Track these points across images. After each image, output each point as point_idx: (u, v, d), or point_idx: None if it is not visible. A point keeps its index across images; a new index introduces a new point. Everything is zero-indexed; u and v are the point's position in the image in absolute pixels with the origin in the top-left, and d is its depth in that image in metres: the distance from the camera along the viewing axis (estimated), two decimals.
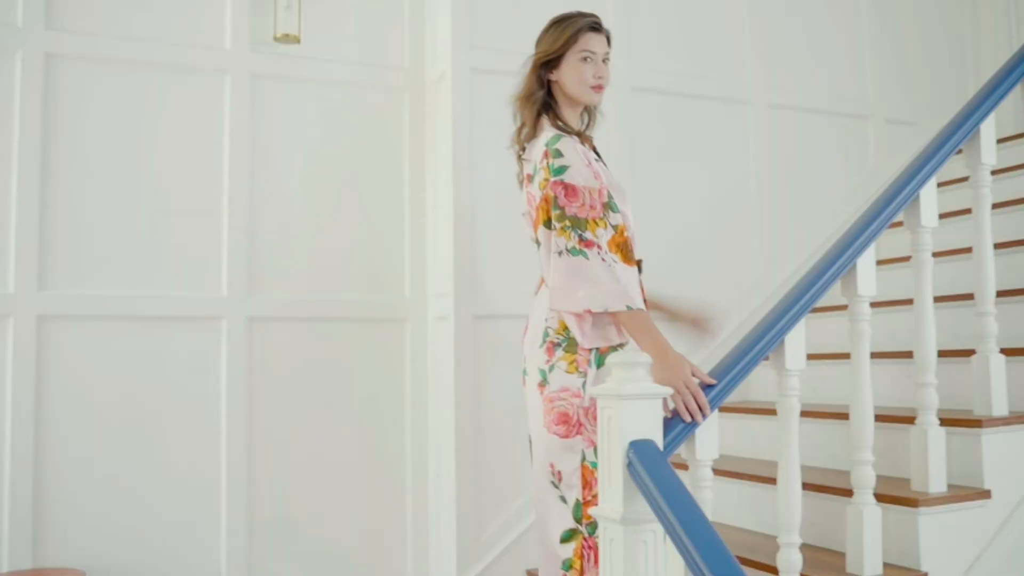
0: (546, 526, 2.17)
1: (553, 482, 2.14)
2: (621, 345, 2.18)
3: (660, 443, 1.85)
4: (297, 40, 3.16)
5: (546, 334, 2.19)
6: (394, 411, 3.31)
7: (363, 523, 3.25)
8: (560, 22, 2.29)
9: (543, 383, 2.15)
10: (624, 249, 2.13)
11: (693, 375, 1.97)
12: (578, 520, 2.11)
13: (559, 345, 2.16)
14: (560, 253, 2.11)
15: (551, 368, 2.15)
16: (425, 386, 3.34)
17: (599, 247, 2.10)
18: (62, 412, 2.91)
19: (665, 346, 2.02)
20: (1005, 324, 2.60)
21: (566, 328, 2.16)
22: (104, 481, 2.94)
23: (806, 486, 2.47)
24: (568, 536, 2.13)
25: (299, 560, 3.15)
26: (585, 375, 2.13)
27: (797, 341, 2.11)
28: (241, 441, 3.08)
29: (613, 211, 2.16)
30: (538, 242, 2.25)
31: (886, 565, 2.27)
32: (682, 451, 1.97)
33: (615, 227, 2.14)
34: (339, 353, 3.24)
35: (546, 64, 2.28)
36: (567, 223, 2.11)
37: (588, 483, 2.08)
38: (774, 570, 2.14)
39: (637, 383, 1.83)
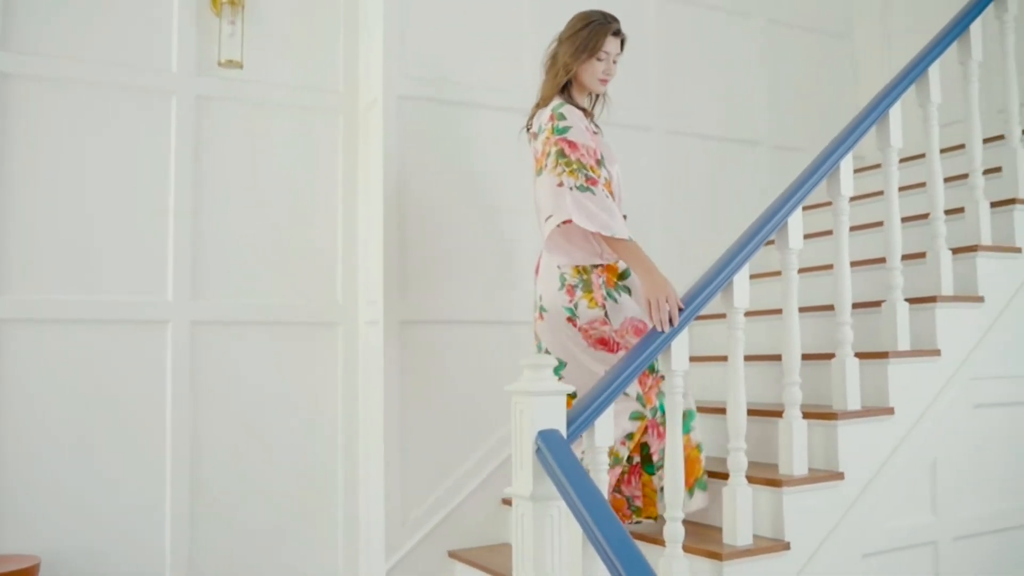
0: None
1: None
2: (591, 287, 2.69)
3: (564, 432, 2.19)
4: (240, 66, 3.41)
5: (563, 279, 2.71)
6: (328, 407, 3.58)
7: (298, 511, 3.51)
8: (589, 24, 2.78)
9: (573, 318, 2.70)
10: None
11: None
12: (643, 406, 2.72)
13: (576, 287, 2.70)
14: (571, 189, 2.59)
15: (576, 306, 2.69)
16: (356, 385, 3.63)
17: (601, 185, 2.61)
18: (16, 411, 3.11)
19: (654, 269, 2.56)
20: (860, 331, 3.01)
21: (578, 271, 2.69)
22: (57, 474, 3.14)
23: None
24: (635, 416, 2.72)
25: (238, 545, 3.40)
26: (604, 307, 2.68)
27: (681, 346, 2.48)
28: (185, 436, 3.32)
29: (602, 167, 2.70)
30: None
31: (756, 536, 2.62)
32: (584, 438, 2.31)
33: (606, 179, 2.69)
34: (277, 354, 3.50)
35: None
36: (574, 166, 2.60)
37: (642, 380, 2.70)
38: (661, 542, 2.49)
39: (544, 382, 2.17)
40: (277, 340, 3.51)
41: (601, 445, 2.30)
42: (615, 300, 2.70)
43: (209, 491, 3.37)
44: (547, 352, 2.77)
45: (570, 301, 2.70)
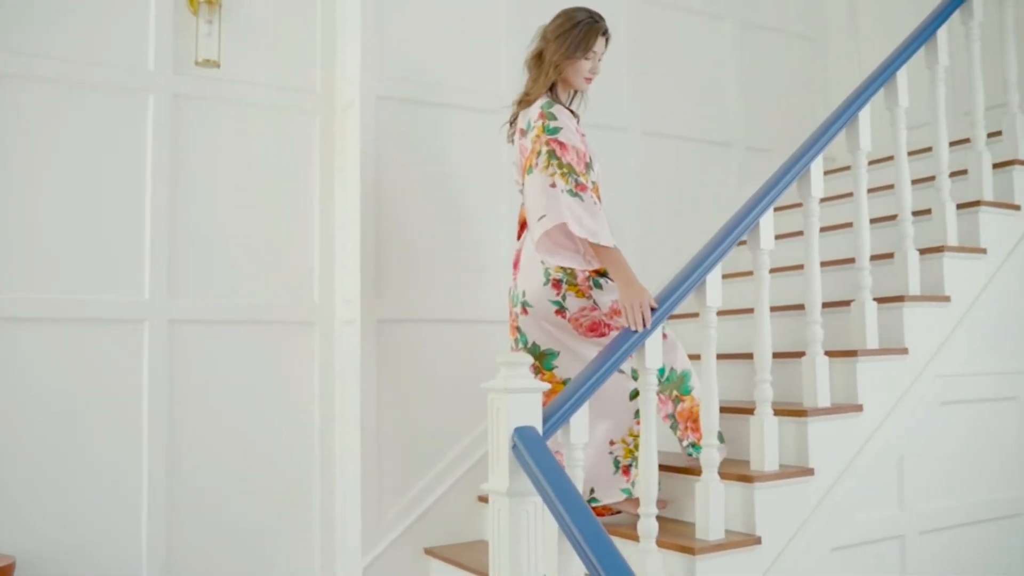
0: (611, 397, 2.80)
1: None
2: (575, 279, 2.77)
3: (540, 429, 2.23)
4: (217, 65, 3.42)
5: (548, 274, 2.77)
6: (305, 406, 3.59)
7: (275, 509, 3.51)
8: (578, 24, 2.82)
9: (562, 310, 2.77)
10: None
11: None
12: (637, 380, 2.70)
13: (562, 280, 2.76)
14: (563, 192, 2.63)
15: (564, 298, 2.77)
16: (332, 383, 3.64)
17: (589, 192, 2.65)
18: None
19: (632, 278, 2.61)
20: (829, 330, 3.06)
21: (560, 267, 2.74)
22: (33, 474, 3.13)
23: (666, 468, 2.90)
24: (635, 394, 2.79)
25: (215, 543, 3.40)
26: (591, 296, 2.76)
27: (655, 344, 2.52)
28: (162, 435, 3.31)
29: (591, 169, 2.77)
30: (523, 188, 2.80)
31: (728, 531, 2.67)
32: (559, 436, 2.35)
33: (593, 183, 2.75)
34: (254, 353, 3.50)
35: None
36: (564, 169, 2.64)
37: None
38: (635, 537, 2.52)
39: (521, 379, 2.20)
40: (254, 339, 3.51)
41: (576, 442, 2.34)
42: (600, 287, 2.77)
43: (186, 490, 3.37)
44: (535, 344, 2.82)
45: (557, 294, 2.77)
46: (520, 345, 2.87)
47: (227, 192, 3.50)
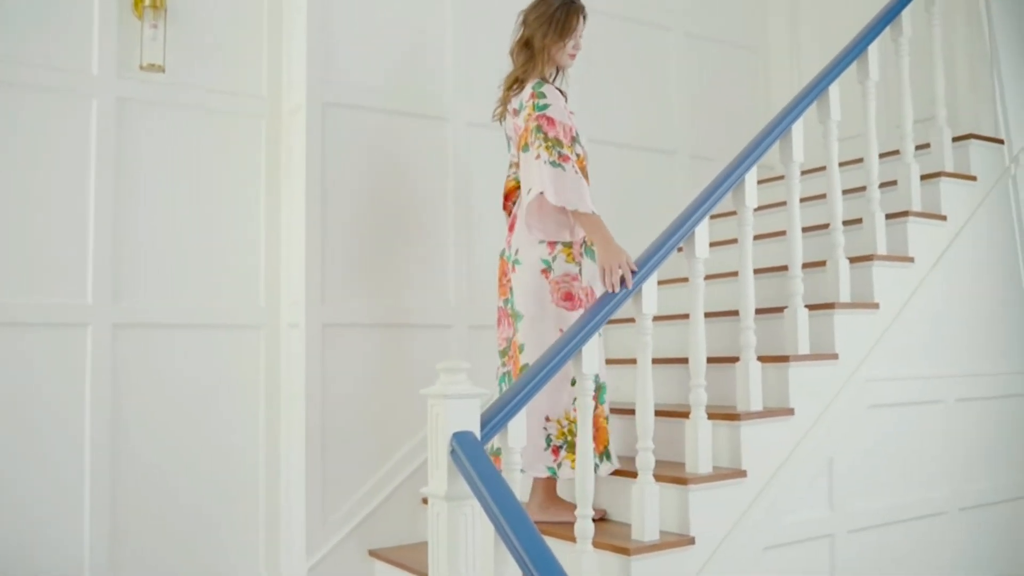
0: (554, 377, 2.72)
1: None
2: (570, 243, 2.93)
3: (478, 434, 2.28)
4: (162, 70, 3.41)
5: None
6: (250, 409, 3.60)
7: (220, 512, 3.51)
8: (559, 9, 3.00)
9: (548, 270, 2.91)
10: (582, 174, 2.88)
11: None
12: None
13: (557, 242, 2.91)
14: (545, 163, 2.81)
15: (554, 258, 2.91)
16: (278, 387, 3.65)
17: (572, 163, 2.81)
18: None
19: (611, 239, 2.76)
20: (763, 336, 3.14)
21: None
22: None
23: None
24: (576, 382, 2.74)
25: (159, 548, 3.39)
26: (580, 263, 2.92)
27: (592, 350, 2.58)
28: (105, 441, 3.29)
29: (577, 143, 2.92)
30: (517, 163, 3.05)
31: (663, 532, 2.74)
32: (496, 440, 2.40)
33: (578, 155, 2.89)
34: (199, 357, 3.50)
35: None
36: (550, 143, 2.82)
37: None
38: (572, 538, 2.58)
39: (459, 385, 2.25)
40: (200, 343, 3.51)
41: (514, 446, 2.39)
42: (592, 257, 2.89)
43: (130, 494, 3.35)
44: (515, 303, 2.92)
45: (550, 254, 2.92)
46: (507, 305, 3.00)
47: (172, 196, 3.50)
